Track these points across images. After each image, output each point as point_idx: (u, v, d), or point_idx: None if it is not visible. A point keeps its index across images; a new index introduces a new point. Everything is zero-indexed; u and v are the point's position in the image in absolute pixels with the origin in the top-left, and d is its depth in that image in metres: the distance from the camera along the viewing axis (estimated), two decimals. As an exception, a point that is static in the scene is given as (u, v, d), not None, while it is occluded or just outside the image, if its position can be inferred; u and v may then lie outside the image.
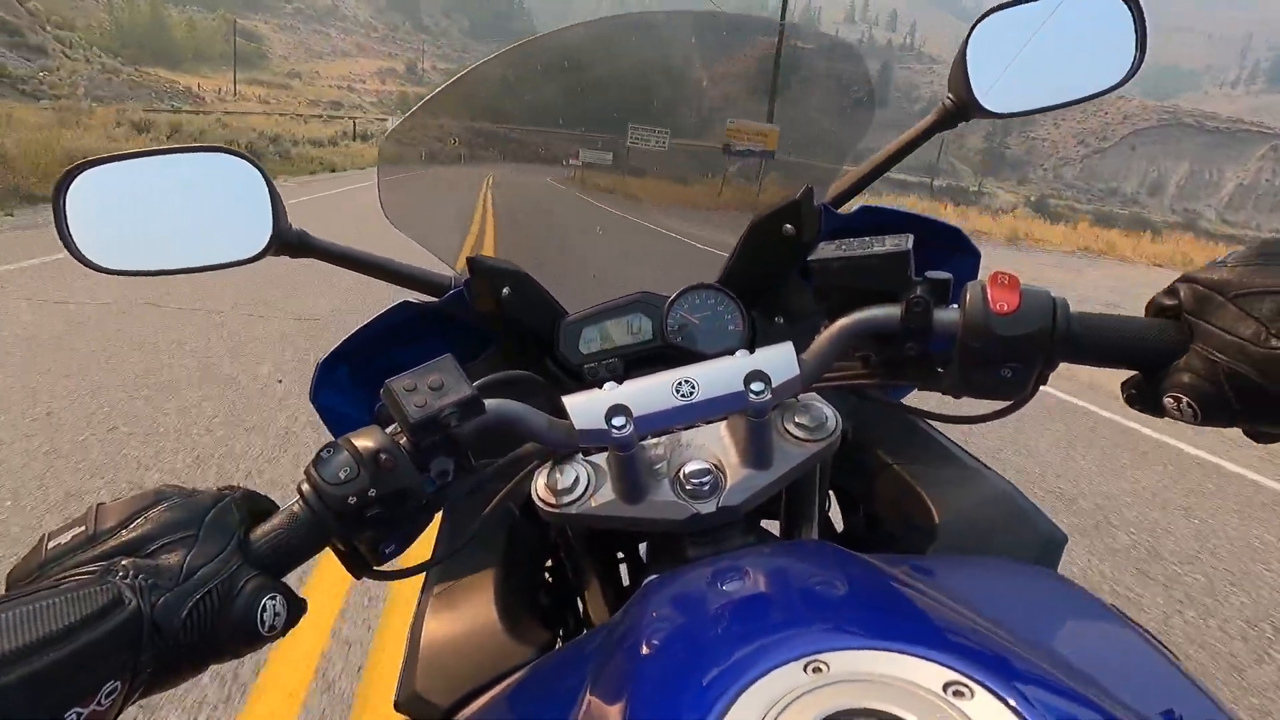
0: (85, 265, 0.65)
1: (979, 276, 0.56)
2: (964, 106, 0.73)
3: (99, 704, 0.37)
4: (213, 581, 0.43)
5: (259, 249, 0.68)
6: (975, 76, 0.71)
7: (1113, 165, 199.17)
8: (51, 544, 0.43)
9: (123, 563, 0.41)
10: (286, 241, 0.69)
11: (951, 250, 0.79)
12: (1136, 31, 0.71)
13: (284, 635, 0.46)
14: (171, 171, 0.67)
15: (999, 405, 0.56)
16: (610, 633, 0.46)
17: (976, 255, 0.78)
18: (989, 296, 0.51)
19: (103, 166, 0.65)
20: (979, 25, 0.71)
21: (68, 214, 0.64)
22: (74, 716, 0.36)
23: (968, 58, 0.71)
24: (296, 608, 0.47)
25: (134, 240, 0.67)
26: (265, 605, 0.44)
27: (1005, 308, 0.50)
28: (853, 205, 0.80)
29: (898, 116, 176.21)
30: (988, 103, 0.71)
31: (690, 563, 0.54)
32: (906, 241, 0.56)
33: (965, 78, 0.71)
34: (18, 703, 0.34)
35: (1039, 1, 0.71)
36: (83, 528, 0.43)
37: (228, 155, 0.68)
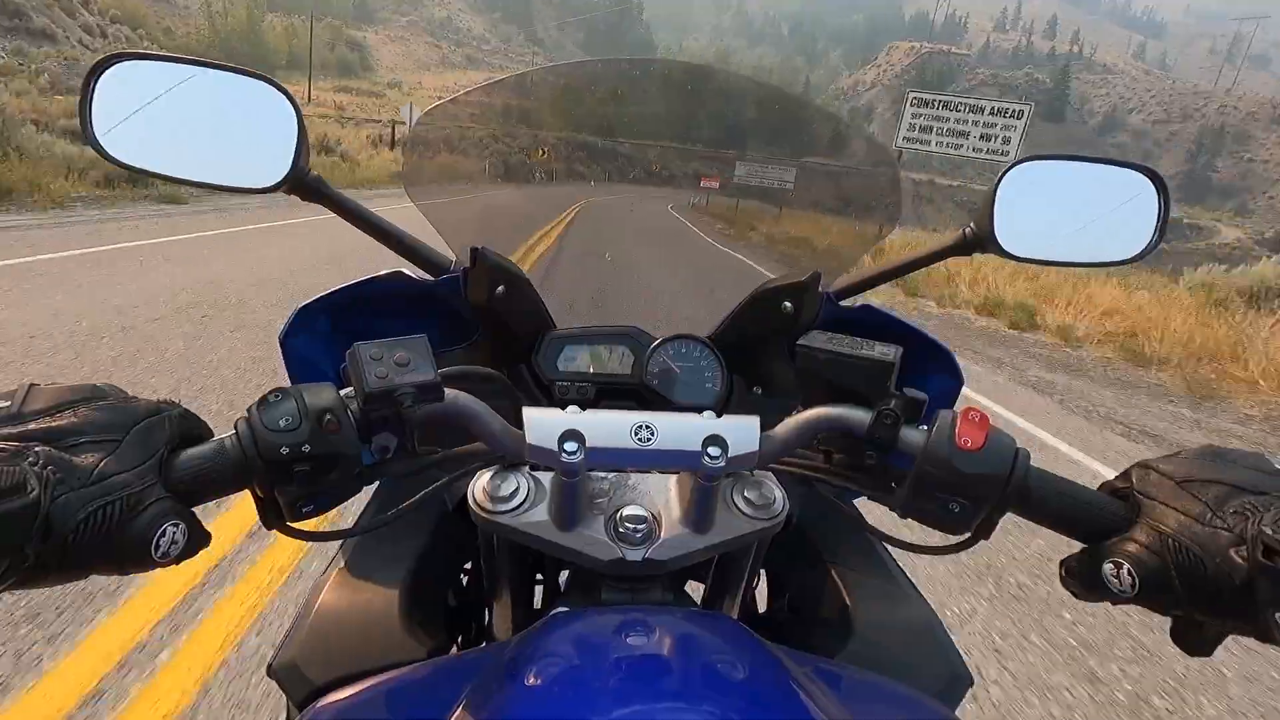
0: (97, 151, 0.64)
1: (956, 404, 0.58)
2: (981, 240, 0.73)
3: None
4: (120, 492, 0.42)
5: (274, 182, 0.67)
6: (999, 214, 0.72)
7: None
8: None
9: (37, 449, 0.40)
10: (302, 182, 0.68)
11: (938, 370, 0.78)
12: (1160, 212, 0.73)
13: (177, 564, 0.45)
14: (208, 85, 0.66)
15: (946, 540, 0.56)
16: (501, 654, 0.47)
17: (959, 382, 0.78)
18: (956, 429, 0.52)
19: (142, 62, 0.64)
20: (1015, 168, 0.72)
21: (94, 98, 0.63)
22: None
23: (997, 195, 0.72)
24: (197, 540, 0.46)
25: (153, 140, 0.66)
26: (166, 530, 0.43)
27: (969, 444, 0.51)
28: (856, 300, 0.80)
29: (1077, 133, 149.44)
30: (1005, 242, 0.72)
31: (602, 605, 0.55)
32: (894, 354, 0.57)
33: (990, 213, 0.72)
34: None
35: (1073, 162, 0.73)
36: (8, 403, 0.42)
37: (266, 85, 0.67)
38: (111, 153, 0.65)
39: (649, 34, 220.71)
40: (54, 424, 0.42)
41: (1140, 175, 0.74)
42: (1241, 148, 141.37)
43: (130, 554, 0.43)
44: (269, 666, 0.59)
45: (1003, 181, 0.73)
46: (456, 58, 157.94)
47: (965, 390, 0.79)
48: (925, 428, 0.54)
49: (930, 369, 0.79)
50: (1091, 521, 0.51)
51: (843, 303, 0.79)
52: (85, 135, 0.64)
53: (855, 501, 0.77)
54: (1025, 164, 0.73)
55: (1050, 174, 0.74)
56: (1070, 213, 0.75)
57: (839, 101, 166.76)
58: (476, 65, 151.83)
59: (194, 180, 0.67)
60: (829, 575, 0.71)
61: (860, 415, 0.57)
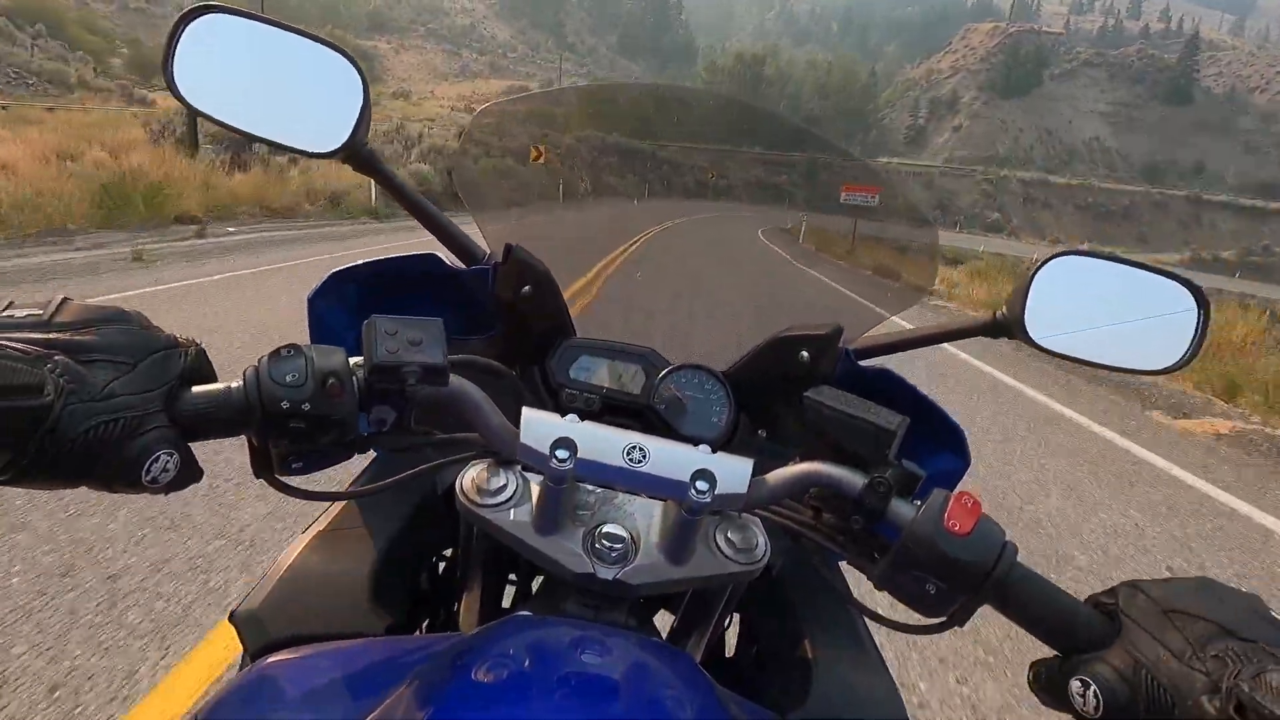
0: (174, 95, 0.67)
1: (955, 487, 0.57)
2: (1010, 325, 0.73)
3: None
4: (124, 412, 0.45)
5: (331, 148, 0.70)
6: (1033, 303, 0.72)
7: None
8: (6, 312, 0.45)
9: (58, 357, 0.43)
10: (357, 154, 0.71)
11: (946, 448, 0.78)
12: (1198, 327, 0.73)
13: (165, 494, 0.48)
14: (285, 47, 0.69)
15: (921, 621, 0.57)
16: (454, 645, 0.48)
17: (965, 464, 0.77)
18: (947, 510, 0.52)
19: (228, 17, 0.67)
20: (1055, 260, 0.72)
21: (179, 45, 0.66)
22: None
23: (1033, 284, 0.72)
24: (189, 474, 0.49)
25: (226, 92, 0.69)
26: (160, 457, 0.46)
27: (957, 528, 0.51)
28: (876, 362, 0.80)
29: (1209, 117, 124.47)
30: (1035, 331, 0.72)
31: (565, 616, 0.55)
32: (899, 425, 0.57)
33: (1024, 300, 0.72)
34: None
35: (1115, 264, 0.73)
36: (40, 312, 0.46)
37: (340, 55, 0.70)
38: (187, 98, 0.68)
39: (689, 35, 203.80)
40: (77, 338, 0.45)
41: (1183, 288, 0.73)
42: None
43: (122, 473, 0.45)
44: (231, 613, 0.60)
45: (1041, 271, 0.72)
46: (478, 66, 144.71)
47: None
48: (918, 503, 0.54)
49: (938, 446, 0.77)
50: (1069, 632, 0.51)
51: (861, 362, 0.78)
52: (165, 78, 0.67)
53: (840, 565, 0.76)
54: (1066, 257, 0.73)
55: (1090, 271, 0.74)
56: (1105, 313, 0.74)
57: (913, 93, 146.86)
58: (501, 74, 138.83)
59: (256, 134, 0.70)
60: (798, 632, 0.70)
61: (854, 479, 0.57)
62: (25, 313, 0.45)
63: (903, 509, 0.55)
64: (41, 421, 0.41)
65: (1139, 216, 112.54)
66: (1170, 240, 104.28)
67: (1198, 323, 0.73)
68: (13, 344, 0.42)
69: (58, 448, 0.42)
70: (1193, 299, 0.72)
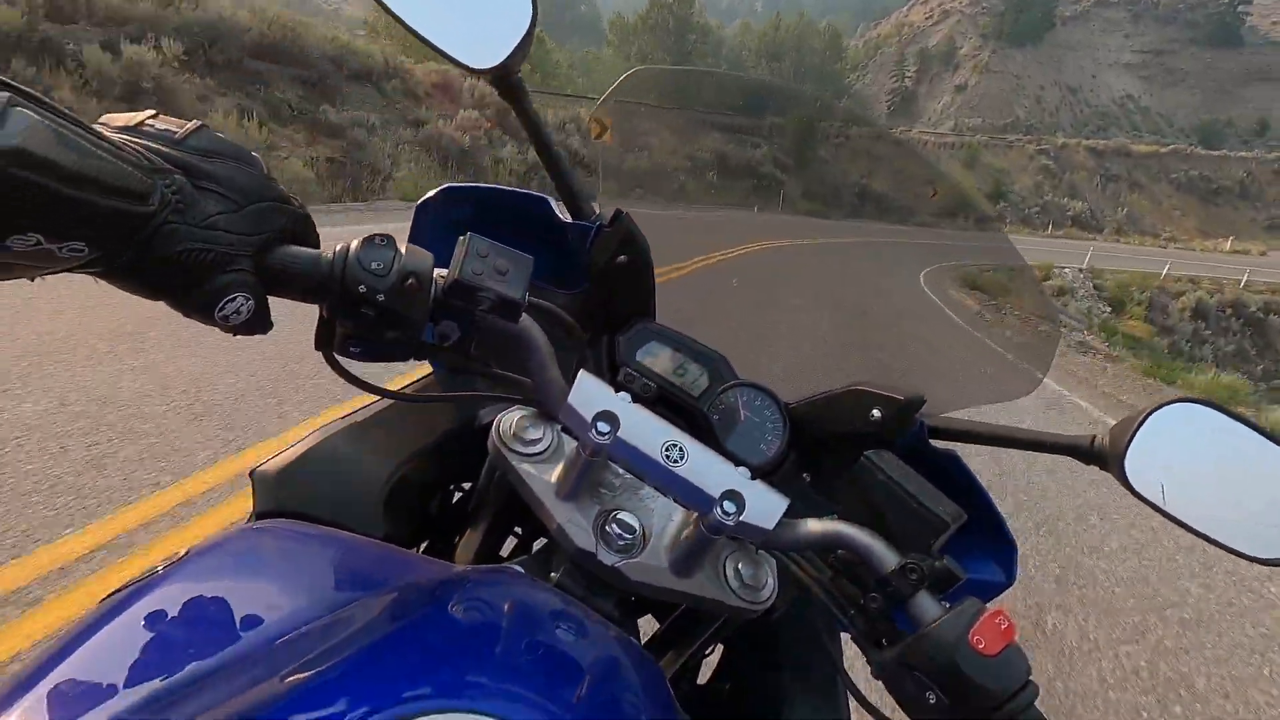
0: None
1: (990, 601, 0.56)
2: (1106, 457, 0.70)
3: (67, 251, 0.42)
4: (218, 246, 0.48)
5: (485, 66, 0.72)
6: (1139, 441, 0.69)
7: None
8: (152, 121, 0.48)
9: (177, 176, 0.47)
10: (507, 79, 0.74)
11: (993, 557, 0.76)
12: None
13: (234, 334, 0.52)
14: None
15: None
16: (441, 577, 0.50)
17: (1008, 582, 0.75)
18: (977, 623, 0.50)
19: None
20: (1176, 404, 0.70)
21: None
22: (32, 240, 0.39)
23: (1146, 422, 0.70)
24: (259, 322, 0.52)
25: None
26: (237, 299, 0.49)
27: (982, 645, 0.50)
28: (948, 445, 0.79)
29: (1257, 63, 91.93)
30: (1133, 472, 0.69)
31: (550, 585, 0.56)
32: (954, 520, 0.57)
33: (1129, 437, 0.69)
34: (24, 192, 0.38)
35: (1244, 426, 0.70)
36: (175, 130, 0.49)
37: None
38: None
39: (594, 11, 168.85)
40: (202, 164, 0.48)
41: None
42: None
43: (199, 302, 0.49)
44: (254, 469, 0.64)
45: (1157, 412, 0.70)
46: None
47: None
48: (947, 604, 0.53)
49: (985, 553, 0.76)
50: None
51: (933, 440, 0.76)
52: None
53: (842, 635, 0.75)
54: (1191, 405, 0.71)
55: (1215, 427, 0.70)
56: (1216, 478, 0.70)
57: (887, 50, 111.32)
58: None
59: (419, 33, 0.71)
60: (780, 688, 0.70)
61: (888, 556, 0.55)
62: (162, 127, 0.48)
63: (929, 605, 0.54)
64: (139, 228, 0.44)
65: (1259, 194, 79.00)
66: (1319, 227, 71.79)
67: None
68: (138, 148, 0.45)
69: (148, 258, 0.45)
70: None
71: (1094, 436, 0.70)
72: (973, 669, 0.49)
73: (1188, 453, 0.68)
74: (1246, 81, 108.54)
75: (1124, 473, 0.68)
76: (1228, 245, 56.81)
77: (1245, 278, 29.87)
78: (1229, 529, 0.68)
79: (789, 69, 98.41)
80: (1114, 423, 0.70)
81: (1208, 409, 0.69)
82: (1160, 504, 0.68)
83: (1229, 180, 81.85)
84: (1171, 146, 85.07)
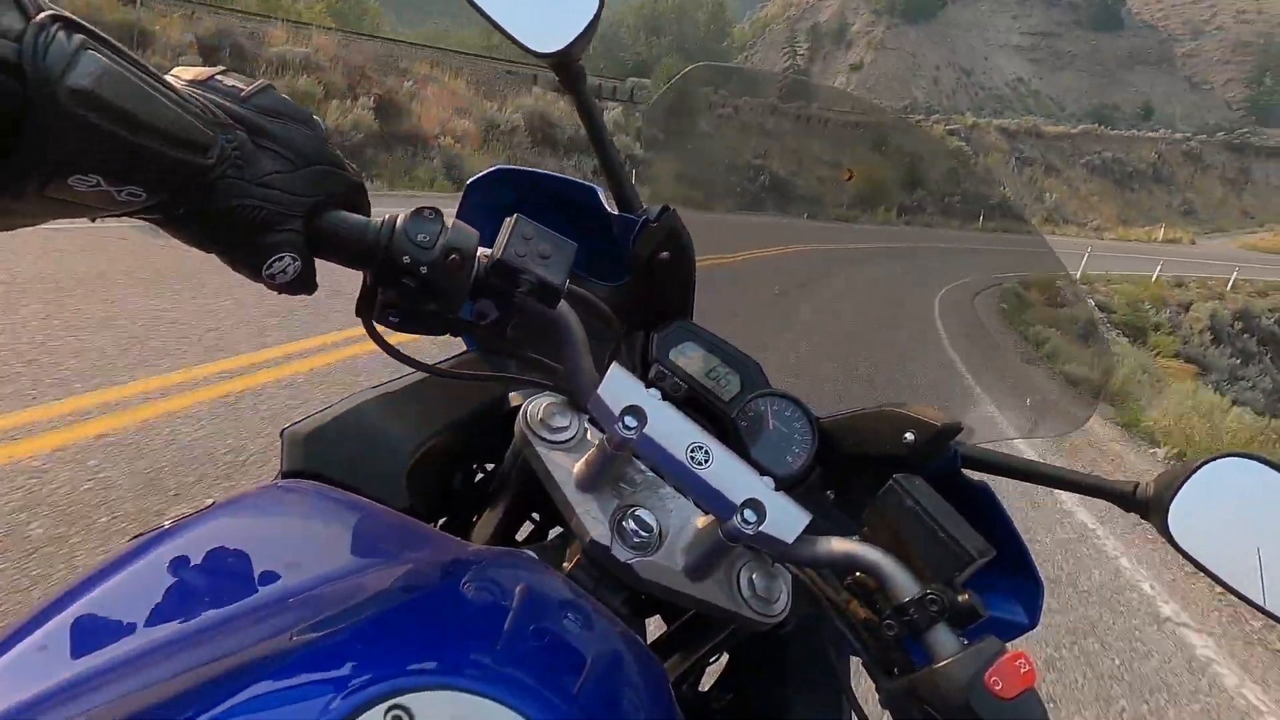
0: None
1: (1009, 643, 0.54)
2: (1149, 507, 0.68)
3: (125, 195, 0.43)
4: (271, 205, 0.49)
5: (547, 50, 0.72)
6: (1186, 494, 0.67)
7: None
8: (220, 77, 0.50)
9: (239, 132, 0.48)
10: (568, 66, 0.73)
11: (1017, 598, 0.75)
12: None
13: (279, 292, 0.54)
14: None
15: None
16: (455, 554, 0.52)
17: (1030, 625, 0.74)
18: (995, 663, 0.49)
19: None
20: (1227, 458, 0.69)
21: None
22: (92, 181, 0.40)
23: (1195, 475, 0.68)
24: (304, 283, 0.54)
25: None
26: (285, 258, 0.50)
27: (999, 687, 0.48)
28: (982, 476, 0.77)
29: (1142, 49, 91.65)
30: (1176, 526, 0.67)
31: (562, 573, 0.56)
32: (981, 554, 0.56)
33: (1176, 489, 0.68)
34: (90, 133, 0.38)
35: None
36: (242, 88, 0.50)
37: None
38: None
39: None
40: (265, 122, 0.49)
41: None
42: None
43: (247, 258, 0.50)
44: (285, 429, 0.64)
45: (1209, 465, 0.68)
46: None
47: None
48: (965, 640, 0.52)
49: (1009, 592, 0.74)
50: None
51: (965, 470, 0.74)
52: None
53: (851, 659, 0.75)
54: (1244, 460, 0.69)
55: (1264, 484, 0.68)
56: (1267, 538, 0.67)
57: (775, 28, 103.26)
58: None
59: (486, 12, 0.71)
60: (785, 705, 0.70)
61: (909, 584, 0.54)
62: (230, 83, 0.49)
63: (946, 639, 0.52)
64: (197, 180, 0.45)
65: (1170, 177, 75.72)
66: (1229, 212, 68.42)
67: None
68: (204, 101, 0.46)
69: (203, 210, 0.47)
70: None
71: (1137, 484, 0.68)
72: (987, 711, 0.47)
73: (1236, 510, 0.66)
74: (1129, 65, 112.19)
75: (1166, 525, 0.66)
76: (1159, 234, 52.46)
77: (1234, 277, 25.91)
78: (1273, 592, 0.65)
79: (670, 45, 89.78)
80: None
81: (1263, 465, 0.67)
82: (1202, 560, 0.66)
83: (1141, 163, 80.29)
84: (1081, 127, 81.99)
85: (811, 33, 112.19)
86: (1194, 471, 0.65)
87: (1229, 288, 24.63)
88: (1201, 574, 0.66)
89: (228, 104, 0.48)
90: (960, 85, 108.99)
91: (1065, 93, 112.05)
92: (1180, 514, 0.65)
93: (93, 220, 0.46)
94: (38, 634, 0.40)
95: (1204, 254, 40.79)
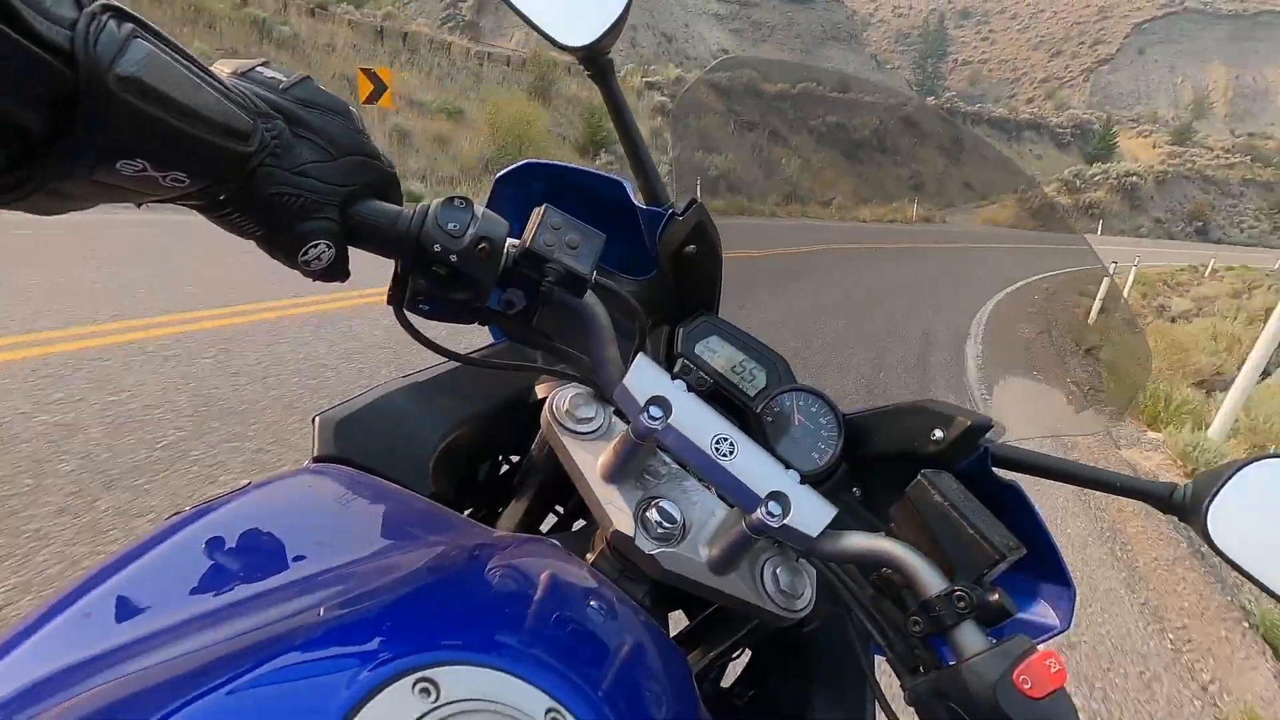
0: None
1: (1040, 643, 0.53)
2: (1186, 509, 0.66)
3: (170, 180, 0.44)
4: (307, 194, 0.50)
5: (577, 44, 0.71)
6: (1222, 496, 0.66)
7: (1127, 80, 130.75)
8: (261, 69, 0.51)
9: (278, 122, 0.49)
10: (597, 59, 0.73)
11: (1047, 598, 0.74)
12: None
13: (313, 280, 0.55)
14: None
15: None
16: (481, 540, 0.52)
17: (1061, 627, 0.73)
18: (1025, 662, 0.48)
19: None
20: (1264, 460, 0.67)
21: None
22: (139, 165, 0.42)
23: (1235, 477, 0.66)
24: (338, 271, 0.55)
25: None
26: (320, 245, 0.52)
27: (1028, 686, 0.47)
28: (1012, 476, 0.75)
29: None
30: (1215, 527, 0.65)
31: (586, 563, 0.57)
32: (1011, 552, 0.56)
33: (1215, 491, 0.66)
34: (137, 119, 0.40)
35: None
36: (282, 79, 0.51)
37: None
38: None
39: None
40: (302, 113, 0.51)
41: None
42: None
43: (284, 245, 0.51)
44: (316, 415, 0.65)
45: (1247, 467, 0.66)
46: None
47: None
48: (993, 639, 0.52)
49: (1039, 591, 0.74)
50: None
51: (996, 469, 0.72)
52: None
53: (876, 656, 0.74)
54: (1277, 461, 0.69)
55: None
56: None
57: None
58: None
59: (514, 4, 0.71)
60: (808, 701, 0.69)
61: (936, 581, 0.54)
62: (270, 74, 0.51)
63: (973, 637, 0.52)
64: (237, 167, 0.47)
65: (894, 145, 67.65)
66: (953, 184, 61.40)
67: None
68: (245, 91, 0.48)
69: (242, 197, 0.48)
70: None
71: (1175, 485, 0.68)
72: (1015, 711, 0.46)
73: (1277, 511, 0.65)
74: (823, 41, 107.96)
75: (1205, 527, 0.65)
76: (912, 213, 40.55)
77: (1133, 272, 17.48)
78: None
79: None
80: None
81: None
82: (1241, 563, 0.65)
83: (865, 129, 70.14)
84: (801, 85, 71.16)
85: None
86: (1234, 473, 0.64)
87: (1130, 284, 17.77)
88: (1241, 576, 0.64)
89: (268, 94, 0.49)
90: (662, 50, 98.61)
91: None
92: (1219, 516, 0.64)
93: (139, 205, 0.47)
94: (82, 602, 0.42)
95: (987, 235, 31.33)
